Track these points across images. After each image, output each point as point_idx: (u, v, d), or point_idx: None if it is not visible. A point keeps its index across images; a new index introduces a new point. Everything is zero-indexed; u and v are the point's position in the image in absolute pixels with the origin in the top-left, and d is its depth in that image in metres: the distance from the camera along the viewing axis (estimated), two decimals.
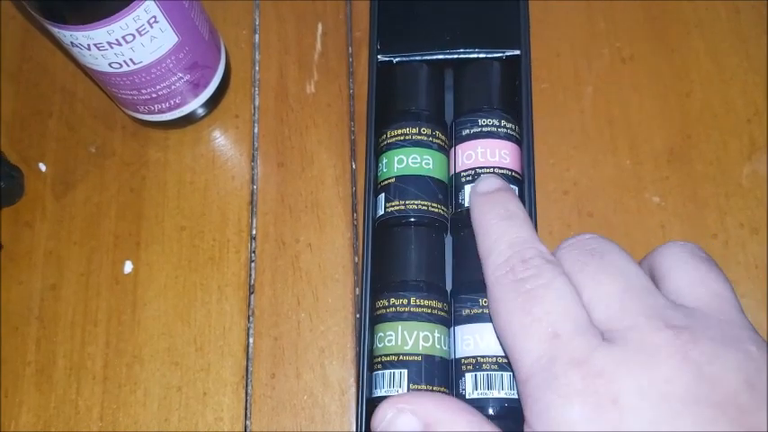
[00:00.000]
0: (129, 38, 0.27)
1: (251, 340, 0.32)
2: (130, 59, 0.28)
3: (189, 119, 0.34)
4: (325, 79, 0.36)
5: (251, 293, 0.32)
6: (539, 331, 0.21)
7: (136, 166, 0.35)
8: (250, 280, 0.33)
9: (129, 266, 0.33)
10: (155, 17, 0.27)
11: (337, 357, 0.31)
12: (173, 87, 0.31)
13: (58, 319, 0.32)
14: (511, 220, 0.25)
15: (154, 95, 0.31)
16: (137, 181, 0.34)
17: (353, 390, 0.31)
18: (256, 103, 0.35)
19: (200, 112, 0.34)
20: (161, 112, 0.32)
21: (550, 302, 0.21)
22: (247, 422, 0.30)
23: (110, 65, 0.29)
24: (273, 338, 0.32)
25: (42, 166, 0.35)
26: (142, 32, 0.27)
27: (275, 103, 0.35)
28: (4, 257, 0.34)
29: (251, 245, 0.33)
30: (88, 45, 0.27)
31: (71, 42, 0.28)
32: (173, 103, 0.32)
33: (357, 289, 0.32)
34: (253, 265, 0.33)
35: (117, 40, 0.27)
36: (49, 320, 0.32)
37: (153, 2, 0.27)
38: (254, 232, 0.33)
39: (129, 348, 0.32)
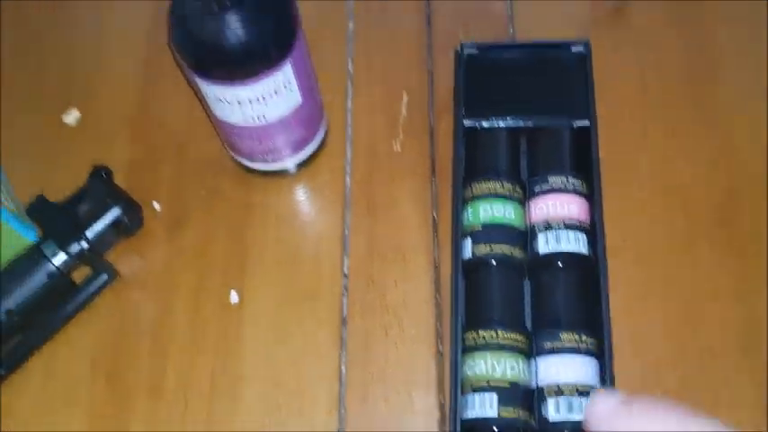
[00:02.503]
0: (267, 96, 0.32)
1: (343, 368, 0.35)
2: (263, 115, 0.33)
3: (290, 169, 0.39)
4: (409, 139, 0.40)
5: (343, 325, 0.36)
6: None
7: (241, 208, 0.39)
8: (342, 313, 0.36)
9: (234, 297, 0.37)
10: (289, 80, 0.32)
11: (422, 384, 0.34)
12: (287, 141, 0.36)
13: (169, 341, 0.36)
14: None
15: (270, 147, 0.36)
16: (241, 221, 0.39)
17: (437, 415, 0.34)
18: (348, 158, 0.40)
19: (301, 164, 0.39)
20: (274, 161, 0.37)
21: None
22: None
23: (244, 119, 0.33)
24: (363, 366, 0.35)
25: (156, 205, 0.39)
26: (278, 92, 0.32)
27: (365, 158, 0.40)
28: (121, 284, 0.37)
29: (343, 281, 0.37)
30: (232, 101, 0.32)
31: (216, 97, 0.32)
32: (283, 153, 0.37)
33: (438, 323, 0.36)
34: (344, 299, 0.37)
35: (257, 97, 0.32)
36: (160, 342, 0.36)
37: (290, 66, 0.32)
38: (345, 270, 0.37)
39: (234, 370, 0.35)
